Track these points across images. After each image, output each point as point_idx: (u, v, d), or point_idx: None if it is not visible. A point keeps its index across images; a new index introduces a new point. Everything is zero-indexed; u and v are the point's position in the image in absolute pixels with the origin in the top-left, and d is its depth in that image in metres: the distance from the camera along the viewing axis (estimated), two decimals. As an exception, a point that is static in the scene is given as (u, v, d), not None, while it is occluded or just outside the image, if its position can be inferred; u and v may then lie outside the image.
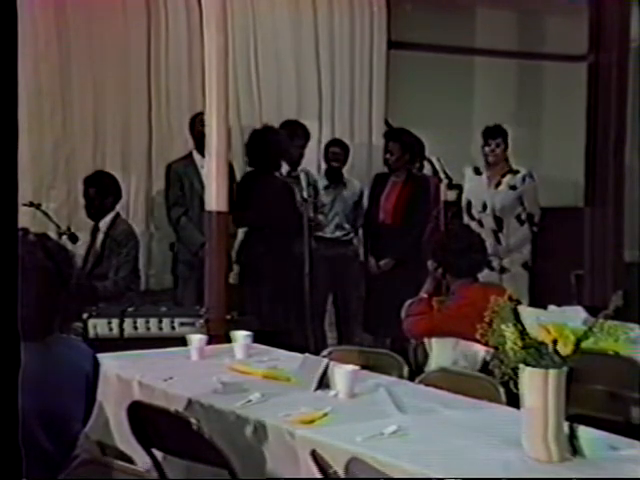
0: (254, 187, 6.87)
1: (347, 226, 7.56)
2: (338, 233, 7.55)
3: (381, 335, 7.06)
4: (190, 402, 3.70)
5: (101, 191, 6.68)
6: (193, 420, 3.41)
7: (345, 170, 7.67)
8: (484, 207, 7.28)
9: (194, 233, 6.86)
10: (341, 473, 3.05)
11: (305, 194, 6.67)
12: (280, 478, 3.34)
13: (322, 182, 7.59)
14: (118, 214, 6.77)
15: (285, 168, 7.18)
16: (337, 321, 7.61)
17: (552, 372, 2.91)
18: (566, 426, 3.00)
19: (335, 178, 7.59)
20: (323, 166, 7.78)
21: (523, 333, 2.94)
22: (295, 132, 7.38)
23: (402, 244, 7.04)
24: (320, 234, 7.38)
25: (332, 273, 7.41)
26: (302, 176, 6.84)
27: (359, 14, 8.42)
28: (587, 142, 8.66)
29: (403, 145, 7.26)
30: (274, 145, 6.95)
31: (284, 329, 6.51)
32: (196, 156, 7.09)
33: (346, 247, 7.55)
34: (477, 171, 7.40)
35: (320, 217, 7.29)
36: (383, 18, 8.47)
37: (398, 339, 5.70)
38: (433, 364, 4.54)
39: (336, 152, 7.66)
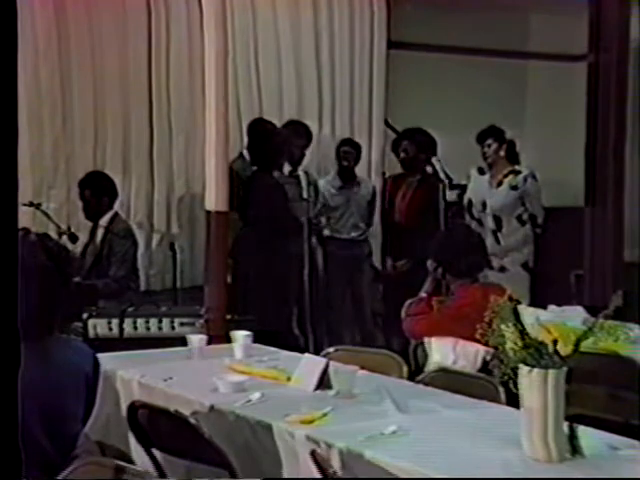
0: (252, 186, 6.87)
1: (362, 225, 7.56)
2: (354, 233, 7.56)
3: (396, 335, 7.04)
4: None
5: (96, 192, 6.70)
6: (193, 420, 3.41)
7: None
8: (484, 206, 7.28)
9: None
10: (341, 473, 3.05)
11: (305, 194, 6.67)
12: (280, 478, 3.34)
13: (336, 182, 7.61)
14: (117, 213, 6.79)
15: (287, 168, 7.17)
16: (354, 321, 7.62)
17: (551, 372, 2.91)
18: (566, 426, 3.00)
19: (348, 178, 7.61)
20: (324, 166, 7.79)
21: (523, 333, 2.94)
22: (297, 132, 7.39)
23: (417, 245, 6.99)
24: (337, 235, 7.43)
25: (348, 273, 7.43)
26: (302, 176, 6.84)
27: (359, 14, 8.42)
28: (587, 142, 8.66)
29: (418, 145, 7.22)
30: (274, 145, 6.96)
31: (280, 329, 6.51)
32: (247, 157, 7.25)
33: (361, 246, 7.55)
34: (481, 171, 7.41)
35: (322, 218, 7.28)
36: (383, 18, 8.47)
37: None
38: (433, 364, 4.54)
39: (347, 151, 7.67)
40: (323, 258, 7.31)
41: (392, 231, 7.39)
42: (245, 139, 7.39)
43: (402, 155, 7.32)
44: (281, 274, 6.81)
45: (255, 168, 7.04)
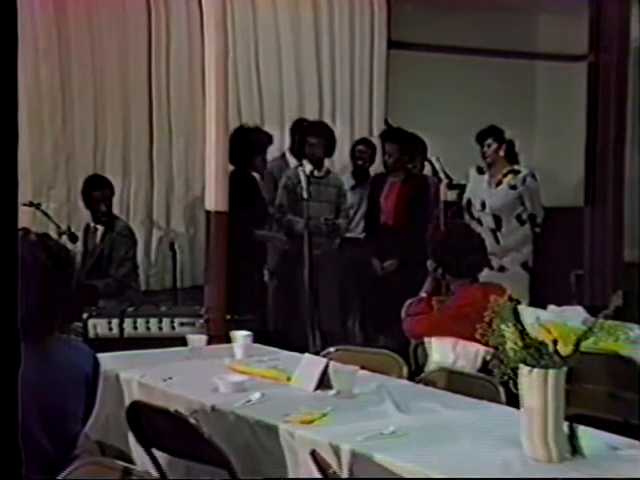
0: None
1: None
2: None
3: (386, 335, 7.02)
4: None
5: (102, 195, 6.70)
6: (193, 420, 3.41)
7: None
8: (483, 206, 7.28)
9: (277, 231, 7.12)
10: (340, 473, 3.05)
11: (305, 194, 6.65)
12: (280, 478, 3.34)
13: (349, 182, 7.61)
14: (113, 214, 6.79)
15: (308, 167, 7.13)
16: (363, 321, 7.60)
17: (551, 372, 2.91)
18: (566, 426, 2.99)
19: (361, 177, 7.60)
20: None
21: (523, 333, 2.94)
22: (318, 132, 7.34)
23: (404, 245, 7.00)
24: (348, 235, 7.42)
25: (359, 274, 7.41)
26: (302, 176, 6.81)
27: (359, 14, 8.43)
28: (587, 142, 8.67)
29: (401, 145, 7.23)
30: (247, 145, 6.97)
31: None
32: (289, 158, 7.41)
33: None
34: (480, 171, 7.40)
35: (340, 220, 7.24)
36: (383, 18, 8.48)
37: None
38: (433, 364, 4.54)
39: (362, 150, 7.67)
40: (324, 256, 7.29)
41: (378, 232, 7.37)
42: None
43: (384, 157, 7.31)
44: (252, 272, 6.83)
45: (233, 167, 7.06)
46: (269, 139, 7.37)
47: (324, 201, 7.05)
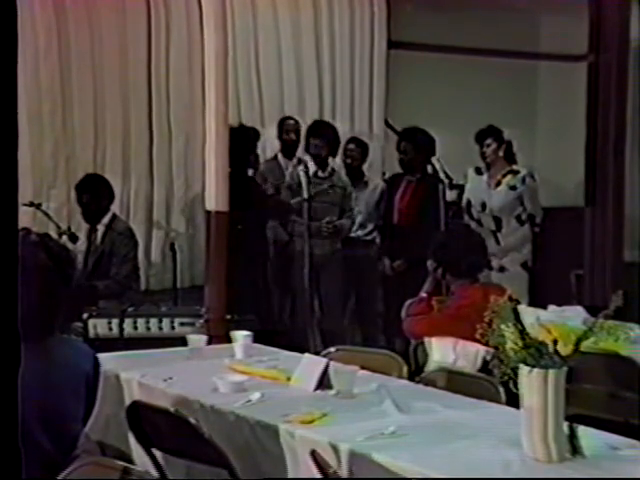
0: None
1: (370, 225, 7.51)
2: (360, 232, 7.51)
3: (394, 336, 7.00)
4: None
5: (95, 195, 6.63)
6: (193, 420, 3.41)
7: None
8: (483, 207, 7.28)
9: (278, 231, 7.10)
10: (340, 473, 3.05)
11: (305, 194, 6.65)
12: (280, 478, 3.34)
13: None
14: (114, 215, 6.77)
15: (313, 168, 7.09)
16: (359, 321, 7.59)
17: (551, 372, 2.91)
18: (566, 426, 3.00)
19: (354, 176, 7.56)
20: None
21: (523, 333, 2.94)
22: (320, 132, 7.31)
23: (415, 245, 6.95)
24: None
25: (355, 273, 7.39)
26: (302, 175, 6.81)
27: (359, 14, 8.44)
28: (587, 142, 8.66)
29: (416, 145, 7.17)
30: (239, 144, 6.96)
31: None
32: (281, 159, 7.45)
33: (368, 247, 7.48)
34: (478, 171, 7.39)
35: (344, 221, 7.21)
36: (383, 18, 8.49)
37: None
38: (433, 364, 4.54)
39: (352, 149, 7.61)
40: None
41: (390, 231, 7.36)
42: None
43: (401, 156, 7.27)
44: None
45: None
46: (256, 135, 7.39)
47: (327, 202, 7.03)
